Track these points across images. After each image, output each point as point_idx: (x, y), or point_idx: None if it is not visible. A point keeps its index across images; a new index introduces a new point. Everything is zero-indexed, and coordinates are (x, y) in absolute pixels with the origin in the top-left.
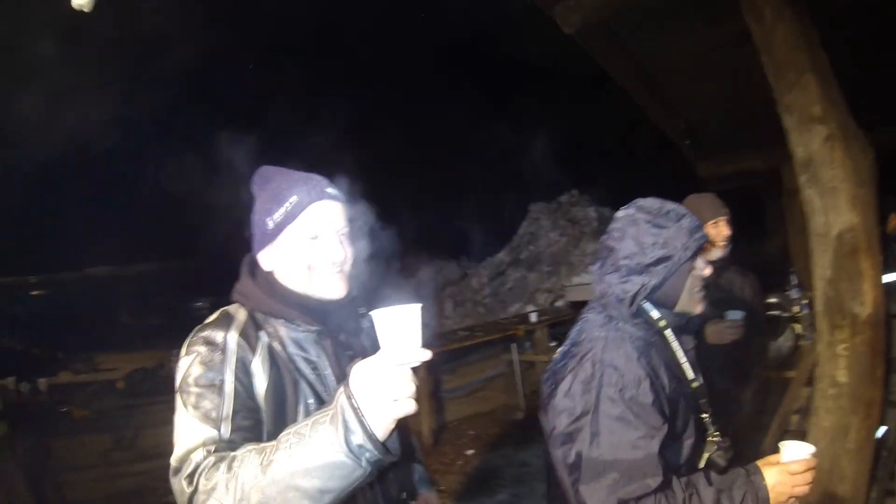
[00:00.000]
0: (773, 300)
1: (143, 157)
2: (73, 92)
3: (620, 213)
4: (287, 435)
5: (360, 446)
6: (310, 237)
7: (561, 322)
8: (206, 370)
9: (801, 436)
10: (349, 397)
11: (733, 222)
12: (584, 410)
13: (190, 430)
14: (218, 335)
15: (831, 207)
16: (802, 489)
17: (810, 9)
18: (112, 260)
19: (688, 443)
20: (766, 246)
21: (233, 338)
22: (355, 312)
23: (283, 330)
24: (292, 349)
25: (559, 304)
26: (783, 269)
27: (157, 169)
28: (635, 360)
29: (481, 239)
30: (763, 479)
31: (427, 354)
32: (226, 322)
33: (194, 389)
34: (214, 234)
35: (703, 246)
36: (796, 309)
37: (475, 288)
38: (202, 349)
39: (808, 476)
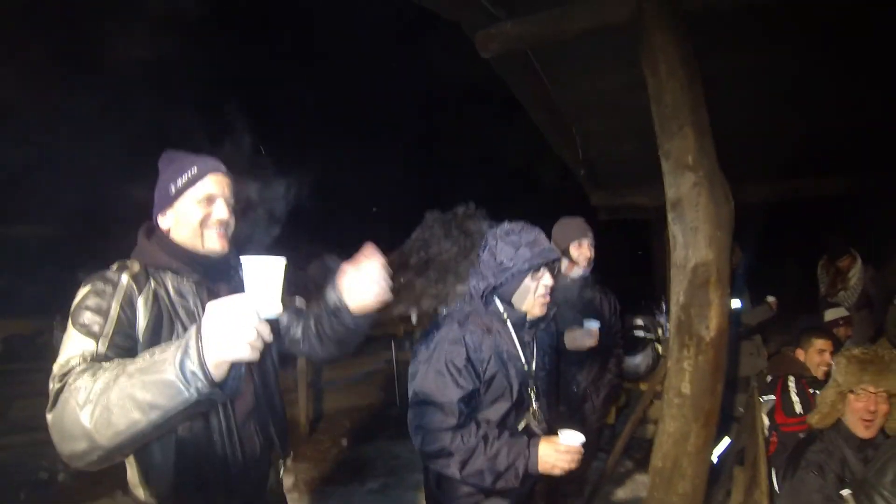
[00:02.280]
0: (639, 322)
1: (28, 116)
2: None
3: (490, 230)
4: (144, 352)
5: (193, 373)
6: (204, 199)
7: None
8: (97, 297)
9: (651, 443)
10: (198, 327)
11: (624, 250)
12: (422, 361)
13: (73, 343)
14: (112, 275)
15: (691, 244)
16: (565, 464)
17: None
18: None
19: (504, 406)
20: (651, 275)
21: (125, 277)
22: (236, 272)
23: (170, 281)
24: (175, 297)
25: (442, 309)
26: (657, 295)
27: (45, 129)
28: (461, 335)
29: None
30: (537, 450)
31: (279, 309)
32: (121, 268)
33: (83, 311)
34: (101, 205)
35: (548, 263)
36: (661, 331)
37: None
38: (97, 282)
39: (572, 456)
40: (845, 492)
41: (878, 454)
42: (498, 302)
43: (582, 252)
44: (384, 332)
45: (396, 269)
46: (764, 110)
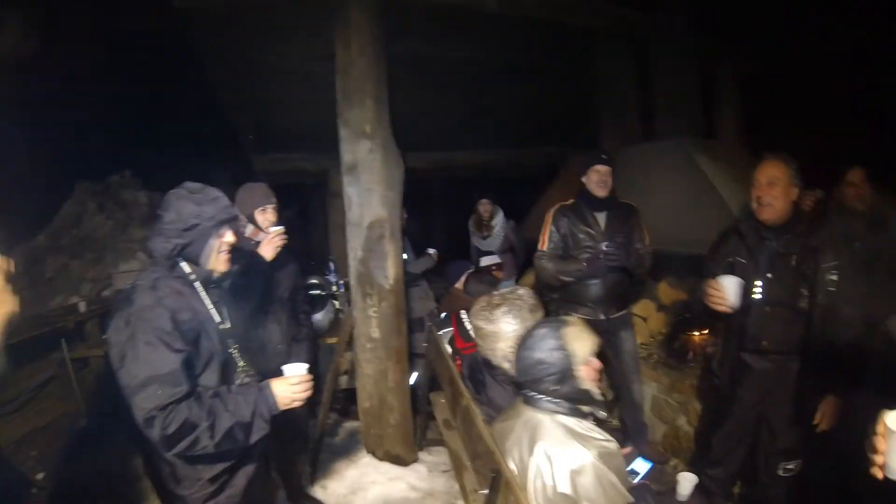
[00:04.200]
0: (314, 281)
1: None
2: None
3: (172, 191)
4: None
5: None
6: None
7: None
8: None
9: (351, 393)
10: None
11: (290, 215)
12: (125, 340)
13: None
14: None
15: (366, 203)
16: (302, 395)
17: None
18: None
19: (215, 369)
20: (310, 237)
21: None
22: None
23: None
24: None
25: (107, 293)
26: (323, 256)
27: None
28: (157, 299)
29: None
30: (272, 389)
31: None
32: None
33: None
34: None
35: (229, 220)
36: (335, 288)
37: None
38: None
39: (304, 385)
40: None
41: None
42: (184, 263)
43: (266, 217)
44: (51, 327)
45: (46, 253)
46: (433, 90)
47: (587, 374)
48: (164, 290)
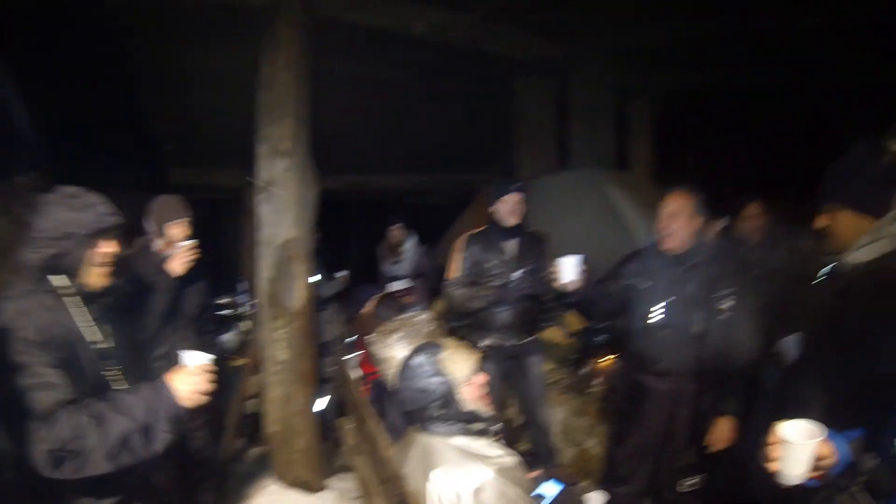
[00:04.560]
0: (223, 301)
1: None
2: None
3: (45, 195)
4: None
5: None
6: None
7: None
8: None
9: (258, 418)
10: None
11: (202, 231)
12: None
13: None
14: None
15: (279, 223)
16: (204, 385)
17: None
18: None
19: (87, 392)
20: (222, 255)
21: None
22: None
23: None
24: None
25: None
26: (233, 275)
27: None
28: (22, 309)
29: None
30: (170, 385)
31: None
32: None
33: None
34: None
35: (108, 229)
36: (244, 309)
37: None
38: None
39: (206, 376)
40: None
41: None
42: (55, 275)
43: (179, 231)
44: None
45: None
46: (355, 111)
47: (471, 393)
48: (32, 303)
